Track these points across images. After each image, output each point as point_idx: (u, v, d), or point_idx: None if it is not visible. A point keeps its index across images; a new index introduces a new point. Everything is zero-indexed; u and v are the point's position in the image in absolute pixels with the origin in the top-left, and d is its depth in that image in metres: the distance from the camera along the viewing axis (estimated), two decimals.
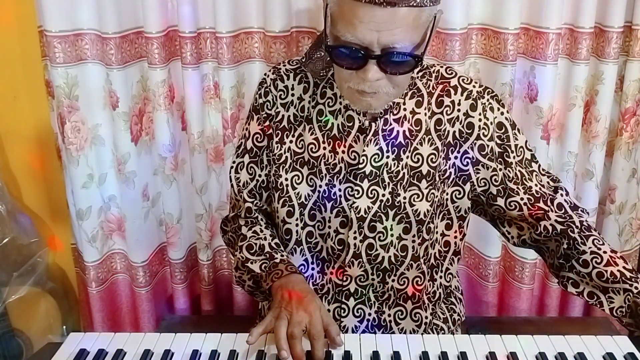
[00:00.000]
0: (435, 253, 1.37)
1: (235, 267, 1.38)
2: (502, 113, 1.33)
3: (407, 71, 1.16)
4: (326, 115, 1.32)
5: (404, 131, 1.30)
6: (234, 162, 1.42)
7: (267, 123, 1.37)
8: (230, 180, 1.43)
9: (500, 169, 1.33)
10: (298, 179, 1.33)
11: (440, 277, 1.42)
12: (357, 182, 1.29)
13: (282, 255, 1.32)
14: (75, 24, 1.78)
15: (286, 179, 1.34)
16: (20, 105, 2.01)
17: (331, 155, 1.31)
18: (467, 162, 1.32)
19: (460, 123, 1.31)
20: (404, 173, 1.30)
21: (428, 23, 1.15)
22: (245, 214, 1.42)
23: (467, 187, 1.34)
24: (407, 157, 1.30)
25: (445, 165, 1.32)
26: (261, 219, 1.43)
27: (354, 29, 1.11)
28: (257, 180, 1.40)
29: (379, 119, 1.29)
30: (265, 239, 1.37)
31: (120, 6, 1.76)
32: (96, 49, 1.81)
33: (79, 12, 1.77)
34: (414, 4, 1.10)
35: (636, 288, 1.26)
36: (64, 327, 2.18)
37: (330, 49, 1.16)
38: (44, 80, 1.91)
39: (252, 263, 1.33)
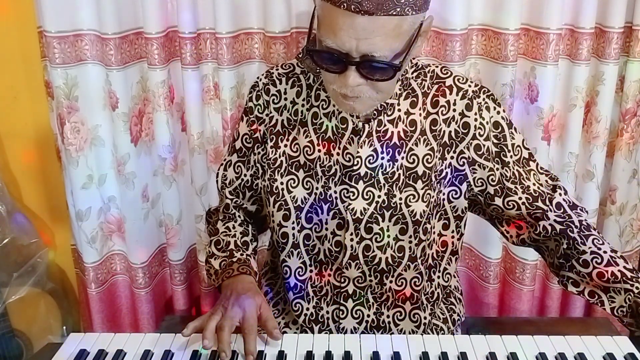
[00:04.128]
0: (432, 253, 1.37)
1: (205, 260, 1.44)
2: (498, 112, 1.32)
3: (387, 78, 1.15)
4: (321, 118, 1.32)
5: (399, 132, 1.29)
6: (224, 159, 1.46)
7: (255, 126, 1.38)
8: (217, 176, 1.47)
9: (497, 169, 1.32)
10: (294, 182, 1.33)
11: (439, 277, 1.42)
12: (352, 183, 1.29)
13: (241, 255, 1.37)
14: (74, 25, 1.78)
15: (281, 183, 1.34)
16: (20, 106, 2.01)
17: (326, 158, 1.31)
18: (464, 162, 1.32)
19: (456, 123, 1.31)
20: (399, 174, 1.29)
21: (412, 31, 1.14)
22: (223, 209, 1.47)
23: (464, 187, 1.33)
24: (402, 158, 1.29)
25: (442, 165, 1.31)
26: (238, 216, 1.47)
27: (334, 35, 1.11)
28: (242, 180, 1.43)
29: (372, 120, 1.28)
30: (234, 236, 1.42)
31: (120, 7, 1.76)
32: (96, 49, 1.82)
33: (78, 12, 1.77)
34: (394, 13, 1.09)
35: (637, 288, 1.26)
36: (64, 327, 2.18)
37: (312, 52, 1.17)
38: (44, 81, 1.91)
39: (215, 259, 1.38)
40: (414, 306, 1.38)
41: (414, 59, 1.32)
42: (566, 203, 1.35)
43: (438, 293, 1.43)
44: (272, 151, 1.36)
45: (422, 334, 1.38)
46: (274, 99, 1.36)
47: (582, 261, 1.31)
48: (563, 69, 1.86)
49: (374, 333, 1.38)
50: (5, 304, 2.00)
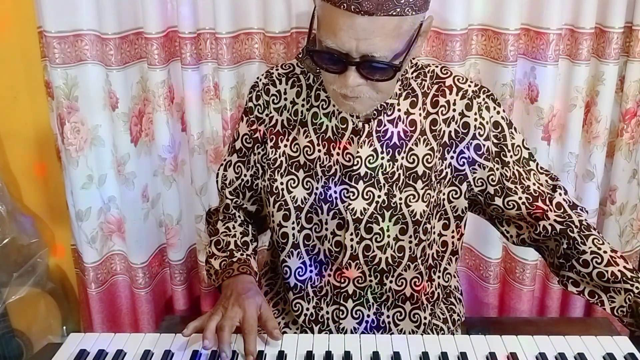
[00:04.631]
0: (432, 253, 1.37)
1: (205, 260, 1.43)
2: (498, 112, 1.32)
3: (387, 79, 1.15)
4: (321, 118, 1.32)
5: (399, 132, 1.29)
6: (224, 159, 1.46)
7: (255, 126, 1.38)
8: (217, 177, 1.47)
9: (497, 169, 1.32)
10: (294, 182, 1.33)
11: (439, 277, 1.41)
12: (352, 183, 1.29)
13: (241, 255, 1.36)
14: (74, 25, 1.78)
15: (281, 183, 1.34)
16: (20, 106, 2.01)
17: (326, 158, 1.31)
18: (464, 162, 1.32)
19: (456, 123, 1.31)
20: (399, 174, 1.29)
21: (412, 31, 1.14)
22: (223, 210, 1.46)
23: (464, 187, 1.33)
24: (402, 158, 1.29)
25: (441, 165, 1.31)
26: (238, 216, 1.47)
27: (334, 35, 1.11)
28: (242, 180, 1.42)
29: (372, 120, 1.28)
30: (234, 236, 1.41)
31: (120, 7, 1.76)
32: (96, 49, 1.82)
33: (78, 12, 1.77)
34: (394, 14, 1.08)
35: (637, 288, 1.26)
36: (64, 327, 2.19)
37: (312, 52, 1.16)
38: (44, 81, 1.91)
39: (215, 259, 1.38)
40: (414, 306, 1.38)
41: (413, 59, 1.31)
42: (566, 203, 1.35)
43: (438, 293, 1.43)
44: (272, 151, 1.36)
45: (422, 334, 1.38)
46: (273, 99, 1.36)
47: (582, 261, 1.31)
48: (563, 69, 1.86)
49: (374, 333, 1.38)
50: (5, 304, 2.00)
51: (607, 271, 1.28)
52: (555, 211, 1.34)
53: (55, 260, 2.22)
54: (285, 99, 1.36)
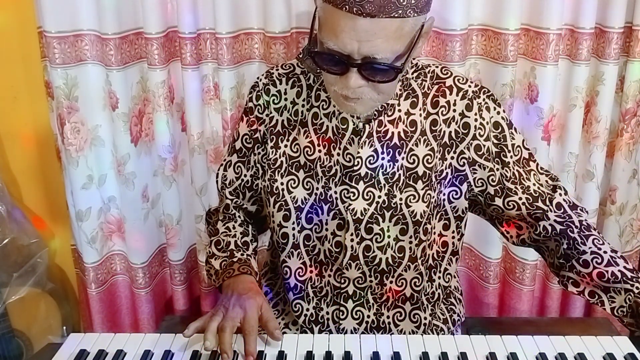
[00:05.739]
0: (433, 254, 1.37)
1: (205, 260, 1.43)
2: (498, 112, 1.32)
3: (388, 80, 1.15)
4: (321, 118, 1.32)
5: (399, 132, 1.29)
6: (224, 159, 1.46)
7: (255, 126, 1.38)
8: (217, 177, 1.47)
9: (498, 169, 1.33)
10: (294, 182, 1.33)
11: (439, 277, 1.41)
12: (353, 184, 1.29)
13: (241, 255, 1.37)
14: (74, 25, 1.78)
15: (282, 184, 1.34)
16: (20, 106, 2.01)
17: (327, 158, 1.31)
18: (464, 163, 1.32)
19: (456, 123, 1.31)
20: (399, 174, 1.29)
21: (413, 32, 1.14)
22: (223, 210, 1.46)
23: (464, 187, 1.33)
24: (403, 159, 1.29)
25: (442, 165, 1.31)
26: (238, 216, 1.47)
27: (336, 37, 1.11)
28: (242, 180, 1.42)
29: (372, 120, 1.28)
30: (234, 236, 1.42)
31: (120, 7, 1.76)
32: (96, 49, 1.82)
33: (78, 12, 1.77)
34: (396, 15, 1.08)
35: (637, 288, 1.26)
36: (64, 327, 2.18)
37: (313, 54, 1.16)
38: (44, 81, 1.91)
39: (215, 259, 1.38)
40: (414, 307, 1.38)
41: (414, 59, 1.31)
42: (566, 203, 1.35)
43: (438, 293, 1.43)
44: (272, 151, 1.36)
45: (422, 334, 1.38)
46: (274, 99, 1.36)
47: (582, 261, 1.31)
48: (563, 69, 1.86)
49: (374, 333, 1.38)
50: (5, 304, 2.00)
51: (607, 271, 1.28)
52: (555, 211, 1.34)
53: (56, 260, 2.22)
54: (286, 99, 1.36)
